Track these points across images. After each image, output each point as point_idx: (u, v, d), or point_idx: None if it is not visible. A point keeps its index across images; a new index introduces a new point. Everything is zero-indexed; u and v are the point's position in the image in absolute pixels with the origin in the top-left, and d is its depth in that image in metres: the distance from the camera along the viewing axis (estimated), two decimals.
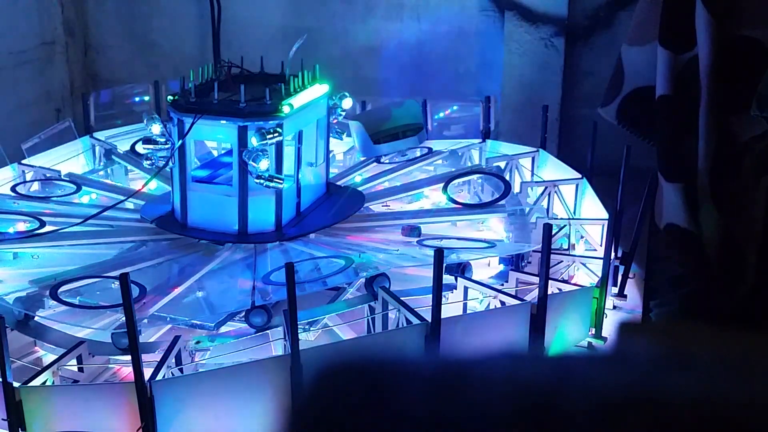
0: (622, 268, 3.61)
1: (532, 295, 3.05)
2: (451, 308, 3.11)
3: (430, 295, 2.75)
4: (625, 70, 3.24)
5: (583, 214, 3.94)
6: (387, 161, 4.50)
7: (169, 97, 3.61)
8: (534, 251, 3.47)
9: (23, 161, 4.31)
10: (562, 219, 3.88)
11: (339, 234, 3.69)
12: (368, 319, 3.13)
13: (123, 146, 4.68)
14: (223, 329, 3.05)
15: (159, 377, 2.59)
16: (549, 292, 2.97)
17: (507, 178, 4.20)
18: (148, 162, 3.62)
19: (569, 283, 3.40)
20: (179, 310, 3.08)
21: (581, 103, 5.12)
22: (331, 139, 4.05)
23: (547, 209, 3.98)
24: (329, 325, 3.11)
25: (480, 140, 4.68)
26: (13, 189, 4.08)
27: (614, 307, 3.52)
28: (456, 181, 4.15)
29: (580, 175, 4.03)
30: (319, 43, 5.09)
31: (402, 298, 3.01)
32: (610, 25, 5.14)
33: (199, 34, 5.46)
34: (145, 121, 3.58)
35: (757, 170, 3.15)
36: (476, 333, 2.86)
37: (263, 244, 3.54)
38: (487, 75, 5.41)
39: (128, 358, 2.58)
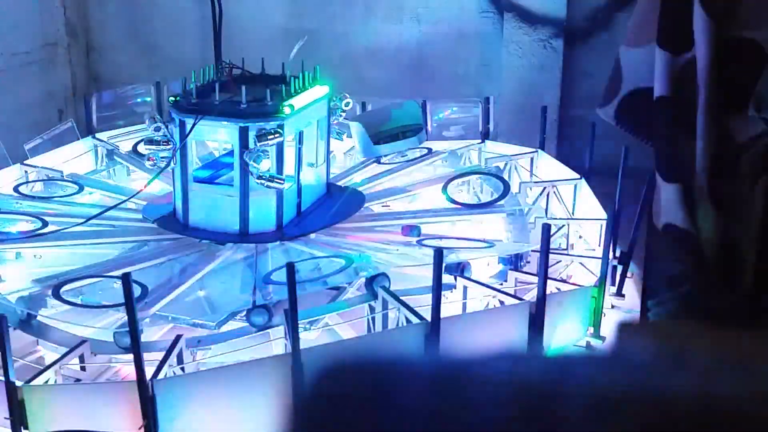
0: (620, 268, 3.62)
1: (531, 295, 3.06)
2: (450, 308, 3.13)
3: (430, 295, 2.76)
4: (623, 71, 3.25)
5: (581, 214, 3.96)
6: (387, 162, 4.51)
7: (171, 98, 3.63)
8: (533, 251, 3.48)
9: (26, 161, 4.32)
10: (560, 219, 3.90)
11: (339, 234, 3.71)
12: (368, 319, 3.14)
13: (125, 147, 4.70)
14: (224, 328, 3.07)
15: (161, 376, 2.61)
16: (548, 291, 2.98)
17: (506, 178, 4.21)
18: (150, 162, 3.64)
19: (568, 283, 3.41)
20: (181, 309, 3.10)
21: (580, 104, 5.13)
22: (331, 139, 4.06)
23: (546, 209, 4.00)
24: (330, 324, 3.13)
25: (479, 141, 4.69)
26: (15, 189, 4.10)
27: (612, 307, 3.53)
28: (455, 182, 4.17)
29: (578, 176, 4.04)
30: (319, 45, 5.10)
31: (402, 298, 3.03)
32: (608, 26, 5.16)
33: (201, 36, 5.46)
34: (146, 121, 3.60)
35: (755, 170, 3.17)
36: (476, 332, 2.88)
37: (264, 244, 3.55)
38: (487, 76, 5.42)
39: (130, 357, 2.60)
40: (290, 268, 2.54)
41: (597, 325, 3.24)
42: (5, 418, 2.52)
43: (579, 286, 3.35)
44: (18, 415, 2.50)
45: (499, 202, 3.95)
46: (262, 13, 5.68)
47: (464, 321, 2.95)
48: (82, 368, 2.91)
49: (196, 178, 3.62)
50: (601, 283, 3.27)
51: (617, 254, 3.66)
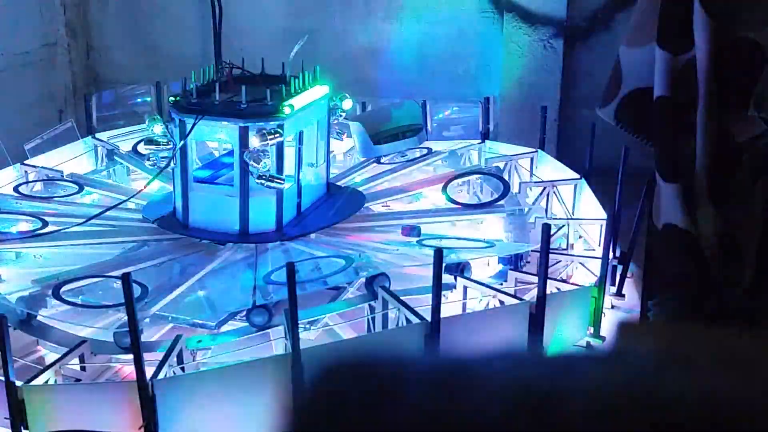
0: (620, 268, 3.62)
1: (531, 295, 3.06)
2: (450, 308, 3.13)
3: (430, 295, 2.76)
4: (623, 71, 3.25)
5: (581, 214, 3.96)
6: (387, 162, 4.51)
7: (171, 98, 3.63)
8: (533, 251, 3.48)
9: (26, 161, 4.33)
10: (560, 219, 3.90)
11: (339, 234, 3.71)
12: (368, 319, 3.15)
13: (125, 147, 4.70)
14: (224, 328, 3.07)
15: (161, 376, 2.61)
16: (548, 291, 2.98)
17: (506, 178, 4.21)
18: (150, 162, 3.64)
19: (568, 283, 3.41)
20: (181, 309, 3.10)
21: (580, 104, 5.13)
22: (331, 139, 4.06)
23: (546, 209, 4.00)
24: (330, 324, 3.13)
25: (479, 141, 4.69)
26: (15, 189, 4.10)
27: (612, 307, 3.53)
28: (455, 182, 4.17)
29: (578, 176, 4.04)
30: (319, 45, 5.10)
31: (402, 298, 3.03)
32: (608, 26, 5.16)
33: (201, 36, 5.46)
34: (146, 121, 3.60)
35: (755, 170, 3.17)
36: (476, 332, 2.88)
37: (264, 244, 3.55)
38: (487, 76, 5.42)
39: (130, 357, 2.60)
40: (290, 268, 2.54)
41: (597, 325, 3.24)
42: (5, 418, 2.53)
43: (579, 286, 3.35)
44: (18, 415, 2.51)
45: (499, 202, 3.95)
46: (262, 13, 5.68)
47: (464, 321, 2.96)
48: (82, 368, 2.91)
49: (196, 178, 3.62)
50: (601, 283, 3.27)
51: (617, 254, 3.66)
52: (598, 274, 3.32)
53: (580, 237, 3.81)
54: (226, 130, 3.48)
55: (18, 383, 2.52)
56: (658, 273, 3.46)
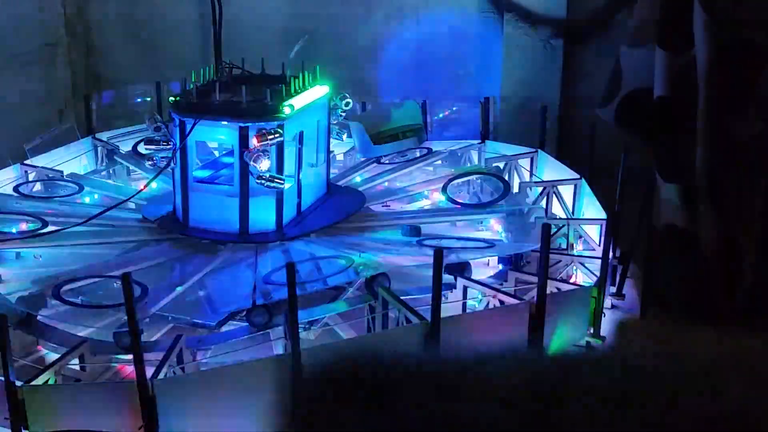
0: (620, 268, 3.62)
1: (531, 295, 3.06)
2: (450, 308, 3.13)
3: (430, 295, 2.76)
4: (623, 72, 3.25)
5: (581, 214, 3.96)
6: (387, 161, 4.51)
7: (171, 98, 3.63)
8: (533, 251, 3.48)
9: (26, 161, 4.32)
10: (560, 219, 3.90)
11: (339, 234, 3.71)
12: (368, 319, 3.14)
13: (125, 147, 4.70)
14: (224, 328, 3.07)
15: (161, 376, 2.61)
16: (548, 291, 2.98)
17: (506, 178, 4.21)
18: (150, 162, 3.65)
19: (568, 283, 3.41)
20: (181, 309, 3.10)
21: (580, 104, 5.13)
22: (331, 139, 4.07)
23: (546, 209, 4.00)
24: (330, 324, 3.13)
25: (479, 141, 4.69)
26: (15, 189, 4.10)
27: (612, 307, 3.53)
28: (455, 182, 4.17)
29: (578, 176, 4.04)
30: (319, 45, 5.10)
31: (402, 298, 3.02)
32: (608, 26, 5.15)
33: (201, 36, 5.47)
34: (146, 122, 3.60)
35: (755, 170, 3.17)
36: (476, 332, 2.88)
37: (264, 244, 3.56)
38: (487, 76, 5.41)
39: (130, 357, 2.60)
40: (290, 268, 2.54)
41: (597, 325, 3.24)
42: (5, 418, 2.52)
43: (579, 286, 3.35)
44: (18, 415, 2.50)
45: (499, 202, 3.95)
46: (262, 14, 5.68)
47: (464, 321, 2.96)
48: (82, 368, 2.90)
49: (196, 178, 3.63)
50: (601, 283, 3.27)
51: (617, 254, 3.66)
52: (598, 274, 3.31)
53: (580, 237, 3.81)
54: (226, 130, 3.48)
55: (18, 383, 2.51)
56: (659, 273, 3.47)
